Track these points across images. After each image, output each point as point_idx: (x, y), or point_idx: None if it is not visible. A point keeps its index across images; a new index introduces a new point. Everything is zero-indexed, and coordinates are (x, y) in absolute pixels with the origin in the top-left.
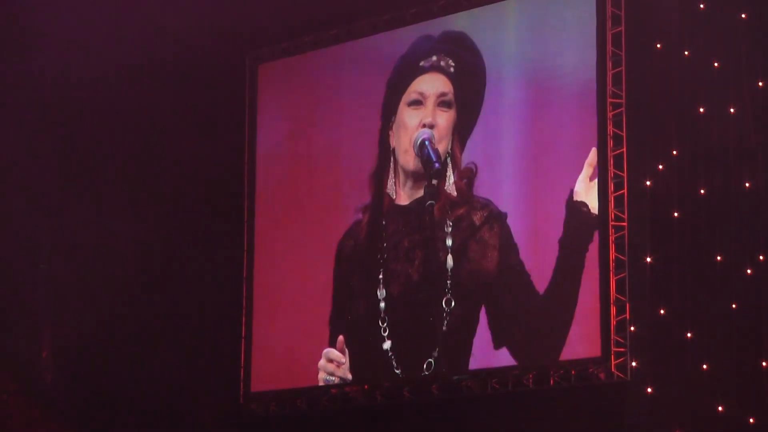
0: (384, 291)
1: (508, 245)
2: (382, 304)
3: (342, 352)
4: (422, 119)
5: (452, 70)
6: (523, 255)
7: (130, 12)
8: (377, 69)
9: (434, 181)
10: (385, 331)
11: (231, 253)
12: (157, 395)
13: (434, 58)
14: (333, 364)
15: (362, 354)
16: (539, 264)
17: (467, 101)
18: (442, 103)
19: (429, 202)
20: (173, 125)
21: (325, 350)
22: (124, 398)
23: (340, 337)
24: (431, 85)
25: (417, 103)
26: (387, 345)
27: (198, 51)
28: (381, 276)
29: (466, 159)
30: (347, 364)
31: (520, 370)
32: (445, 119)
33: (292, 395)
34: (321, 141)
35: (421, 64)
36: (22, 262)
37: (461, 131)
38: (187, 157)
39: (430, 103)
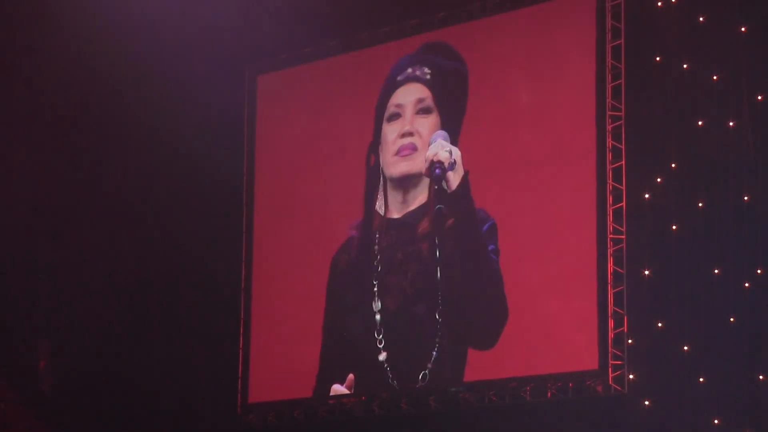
0: (379, 303)
1: (486, 251)
2: (378, 317)
3: (350, 390)
4: (400, 130)
5: (428, 77)
6: (504, 263)
7: (130, 23)
8: (376, 81)
9: (436, 186)
10: (381, 343)
11: (229, 265)
12: (155, 406)
13: (409, 70)
14: None
15: (358, 366)
16: (520, 275)
17: (450, 105)
18: (421, 110)
19: (438, 206)
20: (172, 136)
21: (335, 387)
22: (121, 408)
23: (351, 377)
24: (408, 94)
25: (395, 116)
26: (383, 357)
27: (197, 62)
28: (376, 289)
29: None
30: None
31: (518, 382)
32: (425, 126)
33: (290, 406)
34: (320, 152)
35: (398, 78)
36: (21, 272)
37: (450, 136)
38: (185, 167)
39: (408, 112)
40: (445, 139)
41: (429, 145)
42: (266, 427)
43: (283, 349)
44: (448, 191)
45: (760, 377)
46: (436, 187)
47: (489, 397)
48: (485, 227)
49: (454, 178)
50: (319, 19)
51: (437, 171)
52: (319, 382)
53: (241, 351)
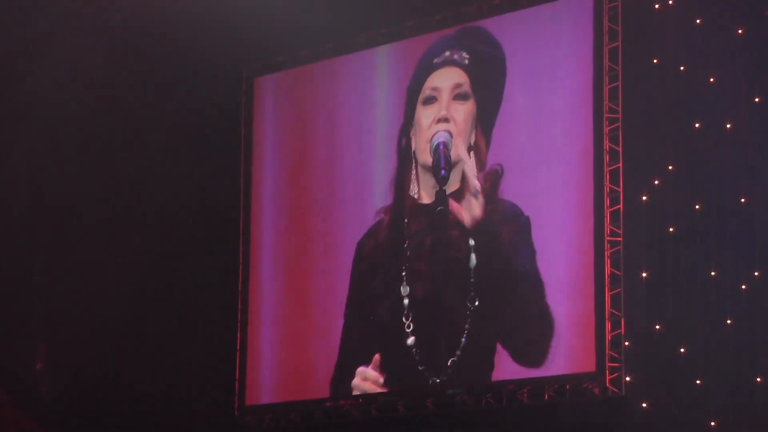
0: (408, 288)
1: (525, 249)
2: (406, 301)
3: (378, 371)
4: (436, 115)
5: (466, 62)
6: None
7: (127, 26)
8: (374, 82)
9: (444, 187)
10: (409, 328)
11: (227, 266)
12: (152, 407)
13: (447, 53)
14: (368, 383)
15: (386, 350)
16: (552, 272)
17: (487, 91)
18: (458, 95)
19: (439, 208)
20: (170, 138)
21: (360, 369)
22: (118, 410)
23: (377, 357)
24: (445, 78)
25: (431, 99)
26: (411, 341)
27: (195, 64)
28: (404, 273)
29: (491, 154)
30: (382, 382)
31: (515, 385)
32: (461, 112)
33: (287, 408)
34: (317, 154)
35: (435, 61)
36: (18, 274)
37: (484, 123)
38: (183, 169)
39: (445, 96)
40: (442, 144)
41: (432, 145)
42: (263, 429)
43: (281, 352)
44: (467, 224)
45: (758, 379)
46: (443, 188)
47: (486, 399)
48: (522, 221)
49: (477, 206)
50: (316, 21)
51: (443, 172)
52: (339, 368)
53: (238, 353)
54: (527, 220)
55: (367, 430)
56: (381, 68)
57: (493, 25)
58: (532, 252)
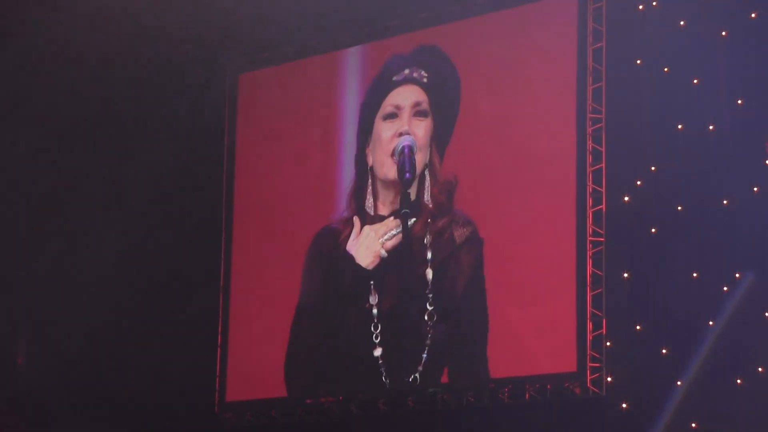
0: (376, 297)
1: (476, 276)
2: (375, 311)
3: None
4: (398, 129)
5: (425, 80)
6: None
7: (111, 21)
8: (357, 81)
9: (408, 191)
10: (377, 338)
11: (208, 262)
12: (133, 403)
13: (406, 71)
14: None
15: (352, 360)
16: (498, 277)
17: (443, 111)
18: (418, 112)
19: (404, 210)
20: (152, 134)
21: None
22: (99, 407)
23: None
24: (405, 96)
25: (392, 116)
26: (378, 352)
27: (178, 59)
28: (372, 282)
29: (445, 170)
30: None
31: (496, 384)
32: (422, 128)
33: (268, 405)
34: (301, 152)
35: (394, 79)
36: None
37: (438, 141)
38: (165, 166)
39: (406, 114)
40: (408, 147)
41: (397, 147)
42: (244, 425)
43: (262, 348)
44: (430, 206)
45: (738, 381)
46: (408, 191)
47: (467, 398)
48: (475, 242)
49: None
50: (301, 18)
51: (407, 176)
52: (289, 369)
53: (219, 349)
54: (482, 243)
55: (348, 427)
56: (351, 71)
57: (475, 24)
58: (481, 276)
